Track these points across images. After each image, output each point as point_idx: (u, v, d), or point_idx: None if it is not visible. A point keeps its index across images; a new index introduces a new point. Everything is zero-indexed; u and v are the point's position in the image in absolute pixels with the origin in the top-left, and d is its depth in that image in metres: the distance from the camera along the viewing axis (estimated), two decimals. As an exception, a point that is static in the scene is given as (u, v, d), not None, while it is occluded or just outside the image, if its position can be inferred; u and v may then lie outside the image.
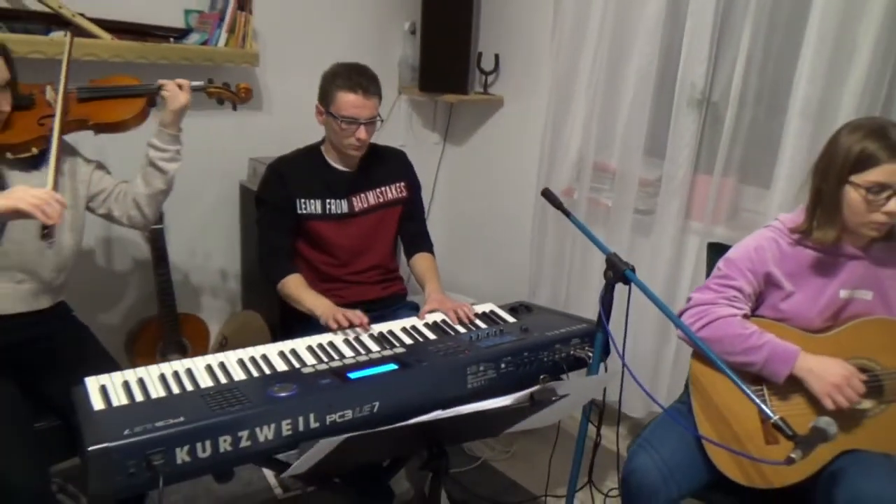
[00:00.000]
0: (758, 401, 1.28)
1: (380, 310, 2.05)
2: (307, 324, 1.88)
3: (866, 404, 1.47)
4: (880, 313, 1.52)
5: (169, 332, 2.37)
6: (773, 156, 2.02)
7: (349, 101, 1.88)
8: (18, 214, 1.36)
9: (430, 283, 2.04)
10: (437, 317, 1.88)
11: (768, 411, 1.28)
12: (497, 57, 2.86)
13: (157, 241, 2.35)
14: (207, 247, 2.63)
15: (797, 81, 1.91)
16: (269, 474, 2.29)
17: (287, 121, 2.52)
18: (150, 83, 1.73)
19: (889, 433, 1.47)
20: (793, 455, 1.22)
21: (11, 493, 1.39)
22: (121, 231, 2.39)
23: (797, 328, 1.54)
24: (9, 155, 1.56)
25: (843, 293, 1.53)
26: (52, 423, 1.61)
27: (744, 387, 1.29)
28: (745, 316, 1.54)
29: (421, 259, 2.16)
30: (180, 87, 1.69)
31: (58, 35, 1.95)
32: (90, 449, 1.17)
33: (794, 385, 1.49)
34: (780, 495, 1.52)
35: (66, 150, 1.67)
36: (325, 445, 1.09)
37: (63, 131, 1.58)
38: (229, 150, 2.51)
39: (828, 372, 1.43)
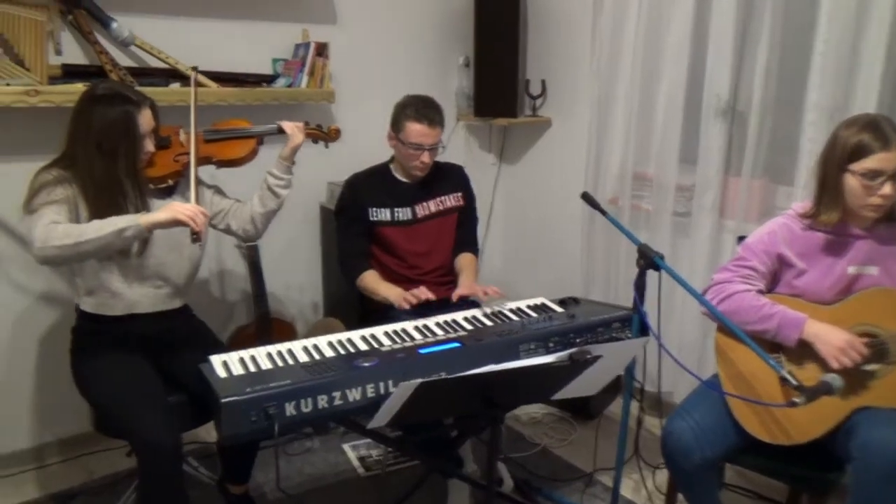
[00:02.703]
0: (768, 357, 1.51)
1: (444, 306, 2.35)
2: (383, 323, 2.18)
3: (874, 366, 1.66)
4: (886, 286, 1.71)
5: (263, 334, 2.73)
6: (794, 156, 2.22)
7: (416, 130, 2.21)
8: (176, 223, 1.72)
9: (464, 273, 2.34)
10: (468, 313, 2.08)
11: (777, 366, 1.50)
12: (544, 82, 3.16)
13: (253, 256, 2.73)
14: (294, 260, 3.00)
15: (811, 86, 2.12)
16: (352, 456, 2.59)
17: (359, 148, 2.86)
18: (263, 125, 2.10)
19: (895, 391, 1.64)
20: (796, 399, 1.44)
21: (152, 448, 1.74)
22: (222, 248, 2.79)
23: (810, 302, 1.74)
24: (151, 186, 1.95)
25: (852, 269, 1.73)
26: (180, 399, 1.96)
27: (756, 347, 1.52)
28: (760, 291, 1.75)
29: (463, 257, 2.44)
30: (299, 128, 2.06)
31: (175, 86, 2.37)
32: (223, 400, 1.49)
33: (808, 352, 1.69)
34: (803, 453, 1.71)
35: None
36: (403, 390, 1.38)
37: (196, 164, 1.94)
38: (311, 175, 2.86)
39: (832, 337, 1.63)
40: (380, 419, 1.49)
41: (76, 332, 2.00)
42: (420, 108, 2.22)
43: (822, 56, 2.07)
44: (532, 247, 3.43)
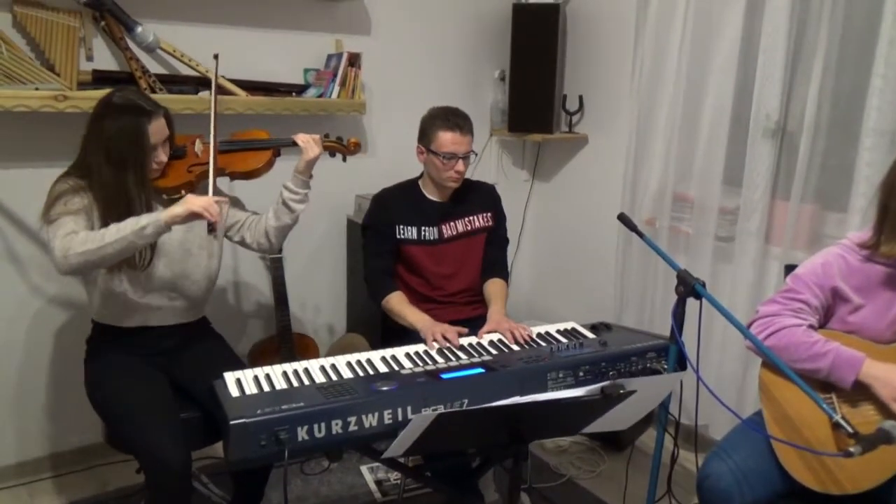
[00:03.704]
0: (819, 399, 1.38)
1: (469, 328, 2.25)
2: (406, 341, 2.10)
3: (938, 413, 1.51)
4: (951, 326, 1.57)
5: (285, 348, 2.67)
6: (848, 181, 2.08)
7: (448, 139, 2.13)
8: (192, 216, 1.67)
9: (495, 305, 2.19)
10: (494, 336, 2.00)
11: (829, 410, 1.37)
12: (581, 98, 3.06)
13: (277, 268, 2.68)
14: (318, 274, 2.94)
15: (868, 109, 1.99)
16: (369, 479, 2.51)
17: (389, 161, 2.82)
18: (280, 137, 2.03)
19: (962, 441, 1.49)
20: (852, 449, 1.31)
21: (160, 466, 1.67)
22: (246, 260, 2.75)
23: (866, 340, 1.60)
24: (164, 196, 1.90)
25: (913, 306, 1.59)
26: (193, 414, 1.90)
27: (806, 387, 1.39)
28: (811, 327, 1.62)
29: (493, 284, 2.32)
30: (315, 141, 1.98)
31: (205, 94, 2.33)
32: (232, 423, 1.42)
33: (863, 393, 1.55)
34: (857, 502, 1.57)
35: (206, 191, 1.98)
36: (421, 420, 1.29)
37: (207, 175, 1.88)
38: (338, 187, 2.82)
39: (893, 378, 1.49)
40: (396, 449, 1.40)
41: (90, 342, 1.96)
42: (450, 118, 2.15)
43: (882, 78, 1.94)
44: (563, 268, 3.32)
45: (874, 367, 1.52)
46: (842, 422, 1.35)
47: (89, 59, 2.27)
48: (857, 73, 2.09)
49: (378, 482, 2.49)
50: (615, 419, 1.55)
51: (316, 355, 2.83)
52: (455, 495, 2.05)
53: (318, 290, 2.97)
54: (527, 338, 1.97)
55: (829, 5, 2.08)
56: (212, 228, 1.71)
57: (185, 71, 2.38)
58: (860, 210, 2.03)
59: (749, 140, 2.31)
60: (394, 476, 2.52)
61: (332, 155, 2.14)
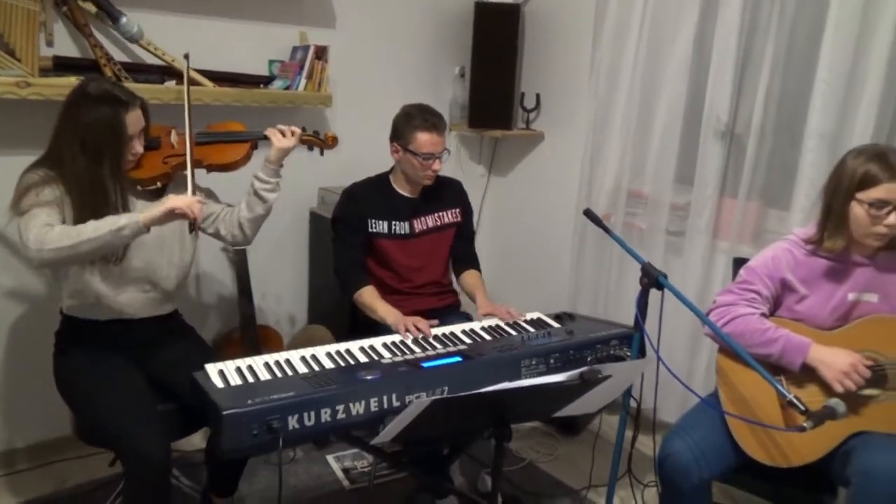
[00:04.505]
0: (775, 381, 1.52)
1: (435, 318, 2.32)
2: (375, 334, 2.14)
3: (873, 391, 1.68)
4: (885, 313, 1.74)
5: (249, 340, 2.67)
6: (791, 181, 2.26)
7: (427, 140, 2.18)
8: (173, 217, 1.67)
9: (481, 295, 2.31)
10: (491, 321, 2.13)
11: (784, 391, 1.51)
12: (538, 96, 3.16)
13: (240, 261, 2.68)
14: (280, 266, 2.94)
15: (811, 113, 2.16)
16: (336, 468, 2.54)
17: (353, 154, 2.83)
18: (257, 129, 2.03)
19: (892, 415, 1.67)
20: (805, 424, 1.45)
21: (142, 457, 1.67)
22: (207, 252, 2.72)
23: (810, 327, 1.76)
24: (139, 188, 1.88)
25: (851, 296, 1.76)
26: (169, 407, 1.89)
27: (762, 370, 1.53)
28: (763, 315, 1.77)
29: (469, 275, 2.43)
30: (292, 133, 1.99)
31: (171, 84, 2.31)
32: (225, 413, 1.45)
33: (808, 375, 1.71)
34: (800, 475, 1.73)
35: (183, 184, 1.95)
36: (416, 407, 1.35)
37: (184, 168, 1.86)
38: (302, 180, 2.82)
39: (837, 360, 1.65)
40: (387, 434, 1.46)
41: (60, 335, 1.92)
42: (427, 118, 2.20)
43: (825, 83, 2.11)
44: (519, 260, 3.43)
45: (819, 352, 1.68)
46: (795, 400, 1.49)
47: (49, 44, 2.20)
48: (801, 79, 2.26)
49: (345, 470, 2.53)
50: (587, 403, 1.65)
51: (280, 347, 2.84)
52: (429, 480, 2.12)
53: (281, 283, 2.97)
54: (518, 319, 2.10)
55: (776, 14, 2.24)
56: (193, 227, 1.71)
57: (150, 60, 2.34)
58: (802, 208, 2.21)
59: (700, 140, 2.47)
60: (361, 464, 2.57)
61: (311, 149, 2.15)
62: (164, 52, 2.32)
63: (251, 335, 2.68)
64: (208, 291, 2.79)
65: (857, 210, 1.67)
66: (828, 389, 1.67)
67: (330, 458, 2.59)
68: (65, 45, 2.23)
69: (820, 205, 1.78)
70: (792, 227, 2.23)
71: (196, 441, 2.56)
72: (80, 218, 1.71)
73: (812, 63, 2.17)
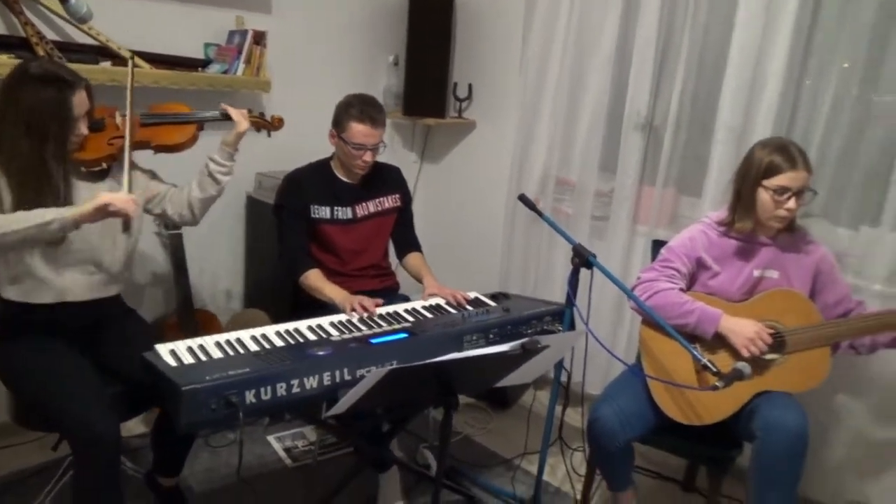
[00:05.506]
0: (691, 348, 1.70)
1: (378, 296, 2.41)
2: (318, 315, 2.20)
3: (774, 356, 1.90)
4: (784, 287, 1.97)
5: (186, 324, 2.66)
6: (703, 170, 2.47)
7: (359, 131, 2.24)
8: (106, 213, 1.66)
9: (427, 276, 2.40)
10: (432, 301, 2.23)
11: (699, 356, 1.70)
12: (470, 86, 3.28)
13: (176, 244, 2.66)
14: (216, 250, 2.94)
15: (721, 108, 2.38)
16: (278, 448, 2.59)
17: (290, 139, 2.84)
18: (204, 111, 2.05)
19: (790, 376, 1.90)
20: (717, 384, 1.64)
21: (93, 439, 1.68)
22: (142, 237, 2.68)
23: (722, 299, 1.97)
24: (83, 169, 1.86)
25: (757, 272, 1.97)
26: (115, 390, 1.89)
27: (680, 338, 1.71)
28: (681, 290, 1.96)
29: (414, 258, 2.52)
30: (243, 115, 2.02)
31: (106, 64, 2.27)
32: (184, 389, 1.48)
33: (719, 342, 1.91)
34: (712, 433, 1.94)
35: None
36: (373, 377, 1.44)
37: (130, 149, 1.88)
38: (238, 165, 2.79)
39: (744, 329, 1.86)
40: (344, 404, 1.54)
41: (2, 322, 1.87)
42: (364, 109, 2.25)
43: (734, 80, 2.33)
44: (450, 244, 3.54)
45: (729, 321, 1.88)
46: (708, 364, 1.67)
47: (-27, 20, 2.13)
48: (712, 76, 2.47)
49: (287, 450, 2.58)
50: (525, 373, 1.78)
51: (219, 330, 2.82)
52: (373, 453, 2.21)
53: (217, 266, 2.97)
54: (462, 302, 2.19)
55: (690, 16, 2.44)
56: (127, 227, 1.72)
57: (82, 38, 2.29)
58: (712, 195, 2.43)
59: (623, 132, 2.65)
60: (302, 443, 2.63)
61: (258, 130, 2.18)
62: (98, 31, 2.27)
63: (189, 319, 2.67)
64: (143, 275, 2.76)
65: (763, 196, 1.88)
66: (736, 354, 1.87)
67: (271, 439, 2.64)
68: (-10, 21, 2.16)
69: (730, 191, 1.98)
70: (703, 213, 2.45)
71: (132, 426, 2.54)
72: (20, 201, 1.68)
73: (722, 63, 2.38)
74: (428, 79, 3.17)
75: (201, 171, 2.01)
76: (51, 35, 2.24)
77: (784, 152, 1.85)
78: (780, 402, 1.83)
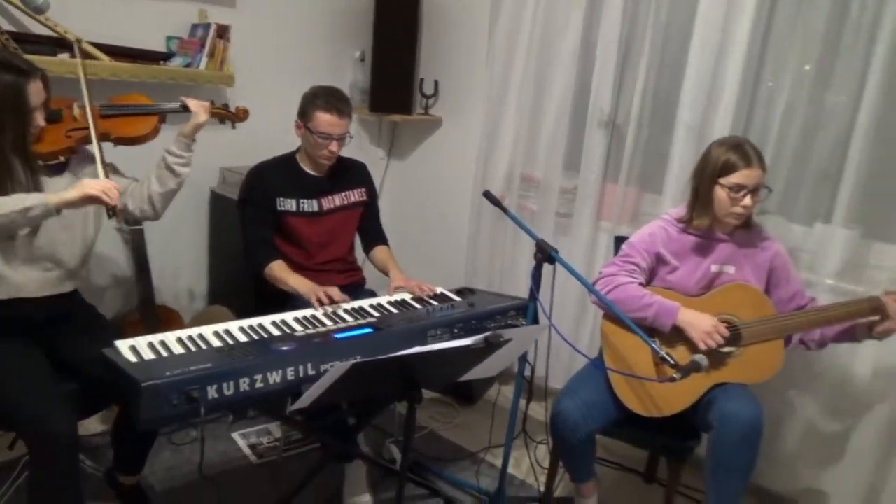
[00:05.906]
0: (650, 341, 1.74)
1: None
2: (283, 309, 2.19)
3: (730, 348, 1.96)
4: (740, 282, 2.02)
5: (148, 321, 2.62)
6: (664, 167, 2.52)
7: (325, 120, 2.24)
8: (89, 201, 1.64)
9: (394, 269, 2.41)
10: (398, 296, 2.25)
11: (657, 348, 1.74)
12: (437, 83, 3.29)
13: (137, 240, 2.62)
14: (179, 246, 2.90)
15: (681, 107, 2.43)
16: (242, 444, 2.57)
17: (254, 134, 2.83)
18: (165, 102, 2.02)
19: (746, 369, 1.95)
20: (675, 376, 1.68)
21: (50, 437, 1.65)
22: (103, 233, 2.63)
23: (680, 294, 2.01)
24: (40, 162, 1.82)
25: (714, 268, 2.02)
26: (71, 388, 1.86)
27: (639, 331, 1.75)
28: (641, 284, 2.00)
29: (381, 251, 2.53)
30: (204, 107, 2.00)
31: (64, 56, 2.22)
32: (144, 384, 1.46)
33: (678, 336, 1.96)
34: (671, 425, 1.98)
35: (87, 158, 1.92)
36: (337, 370, 1.45)
37: (89, 141, 1.84)
38: (201, 159, 2.75)
39: (701, 322, 1.90)
40: (308, 398, 1.54)
41: (-48, 317, 1.83)
42: (330, 99, 2.26)
43: (694, 80, 2.38)
44: (416, 240, 3.55)
45: (687, 315, 1.93)
46: (666, 356, 1.71)
47: (-76, 9, 2.07)
48: (672, 76, 2.52)
49: (252, 446, 2.56)
50: (488, 367, 1.80)
51: (181, 327, 2.79)
52: (338, 447, 2.21)
53: (179, 262, 2.93)
54: (429, 293, 2.20)
55: (652, 16, 2.48)
56: (113, 213, 1.70)
57: (39, 29, 2.24)
58: (672, 193, 2.48)
59: (586, 130, 2.69)
60: (267, 440, 2.61)
61: (222, 122, 2.16)
62: (56, 22, 2.22)
63: (151, 316, 2.63)
64: (103, 272, 2.71)
65: (720, 193, 1.93)
66: (693, 347, 1.92)
67: (235, 436, 2.62)
68: (-59, 10, 2.10)
69: (689, 188, 2.03)
70: (664, 209, 2.51)
71: (91, 425, 2.50)
72: None
73: (682, 62, 2.43)
74: (394, 75, 3.17)
75: (158, 164, 1.98)
76: (6, 26, 2.18)
77: (739, 150, 1.90)
78: (735, 394, 1.88)
